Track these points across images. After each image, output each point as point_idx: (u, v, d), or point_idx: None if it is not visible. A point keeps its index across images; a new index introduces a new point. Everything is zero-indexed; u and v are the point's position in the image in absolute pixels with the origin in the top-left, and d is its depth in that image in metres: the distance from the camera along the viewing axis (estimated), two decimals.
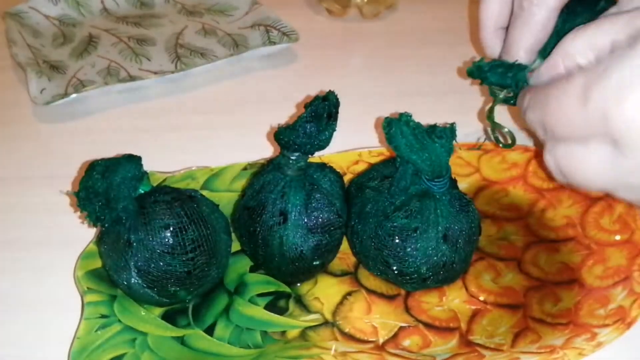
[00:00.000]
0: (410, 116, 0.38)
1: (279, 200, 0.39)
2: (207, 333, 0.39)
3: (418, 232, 0.38)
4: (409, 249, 0.39)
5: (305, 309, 0.41)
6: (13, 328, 0.40)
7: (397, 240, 0.39)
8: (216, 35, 0.67)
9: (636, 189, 0.30)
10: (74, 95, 0.55)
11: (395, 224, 0.39)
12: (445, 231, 0.39)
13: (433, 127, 0.37)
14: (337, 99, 0.39)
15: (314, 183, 0.40)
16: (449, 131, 0.37)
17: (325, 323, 0.40)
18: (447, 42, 0.66)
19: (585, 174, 0.31)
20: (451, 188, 0.40)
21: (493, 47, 0.44)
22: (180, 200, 0.38)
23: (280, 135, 0.39)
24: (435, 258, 0.39)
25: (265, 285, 0.42)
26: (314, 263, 0.40)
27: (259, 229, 0.39)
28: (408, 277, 0.40)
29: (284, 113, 0.56)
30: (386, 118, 0.38)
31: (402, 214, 0.39)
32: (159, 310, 0.40)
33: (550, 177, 0.42)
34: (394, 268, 0.40)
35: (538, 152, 0.48)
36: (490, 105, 0.43)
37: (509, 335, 0.39)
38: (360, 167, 0.48)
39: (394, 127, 0.37)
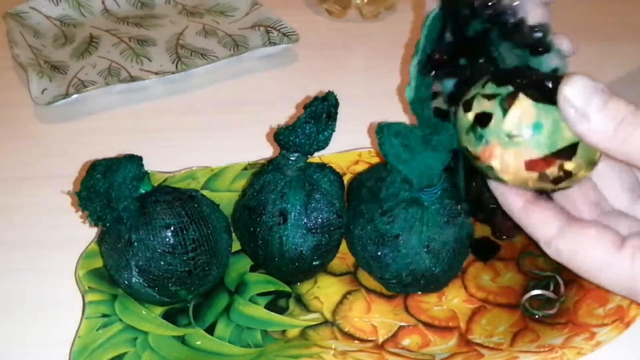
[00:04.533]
0: (397, 124, 0.36)
1: (278, 201, 0.39)
2: (207, 332, 0.40)
3: (400, 239, 0.38)
4: (388, 256, 0.39)
5: (305, 308, 0.41)
6: (14, 328, 0.40)
7: (376, 246, 0.39)
8: (216, 36, 0.67)
9: None
10: (75, 96, 0.56)
11: (377, 228, 0.39)
12: (429, 241, 0.38)
13: (431, 135, 0.36)
14: (336, 100, 0.39)
15: (313, 183, 0.40)
16: (446, 140, 0.35)
17: (325, 322, 0.41)
18: None
19: None
20: (444, 198, 0.39)
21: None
22: (181, 200, 0.39)
23: (280, 136, 0.39)
24: (415, 266, 0.39)
25: (265, 284, 0.42)
26: (314, 263, 0.41)
27: (259, 229, 0.40)
28: (387, 281, 0.40)
29: (284, 113, 0.56)
30: (379, 124, 0.37)
31: (386, 219, 0.39)
32: (159, 310, 0.40)
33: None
34: (375, 271, 0.40)
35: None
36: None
37: (508, 334, 0.40)
38: (360, 167, 0.48)
39: (384, 135, 0.36)
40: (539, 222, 0.32)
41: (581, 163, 0.30)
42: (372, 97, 0.59)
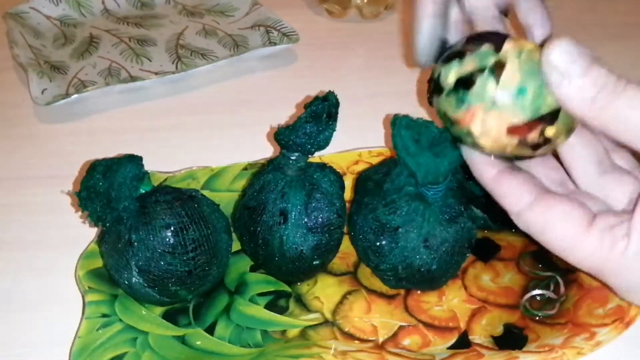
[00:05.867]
0: (411, 118, 0.37)
1: (279, 200, 0.39)
2: (207, 332, 0.40)
3: (399, 231, 0.38)
4: (386, 247, 0.39)
5: (306, 308, 0.41)
6: (14, 328, 0.40)
7: (376, 235, 0.39)
8: (217, 36, 0.67)
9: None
10: (75, 96, 0.56)
11: (378, 218, 0.39)
12: (428, 236, 0.38)
13: (441, 134, 0.36)
14: (336, 99, 0.39)
15: (314, 183, 0.40)
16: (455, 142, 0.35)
17: (325, 322, 0.41)
18: None
19: None
20: (448, 197, 0.39)
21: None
22: (181, 200, 0.39)
23: (280, 136, 0.39)
24: (412, 260, 0.39)
25: (265, 284, 0.42)
26: (314, 263, 0.41)
27: (259, 229, 0.40)
28: (383, 273, 0.40)
29: (284, 113, 0.56)
30: (394, 115, 0.37)
31: (387, 211, 0.39)
32: (159, 310, 0.40)
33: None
34: (372, 261, 0.40)
35: None
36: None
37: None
38: (360, 167, 0.48)
39: (396, 127, 0.37)
40: (510, 192, 0.32)
41: (561, 129, 0.30)
42: (372, 97, 0.59)
